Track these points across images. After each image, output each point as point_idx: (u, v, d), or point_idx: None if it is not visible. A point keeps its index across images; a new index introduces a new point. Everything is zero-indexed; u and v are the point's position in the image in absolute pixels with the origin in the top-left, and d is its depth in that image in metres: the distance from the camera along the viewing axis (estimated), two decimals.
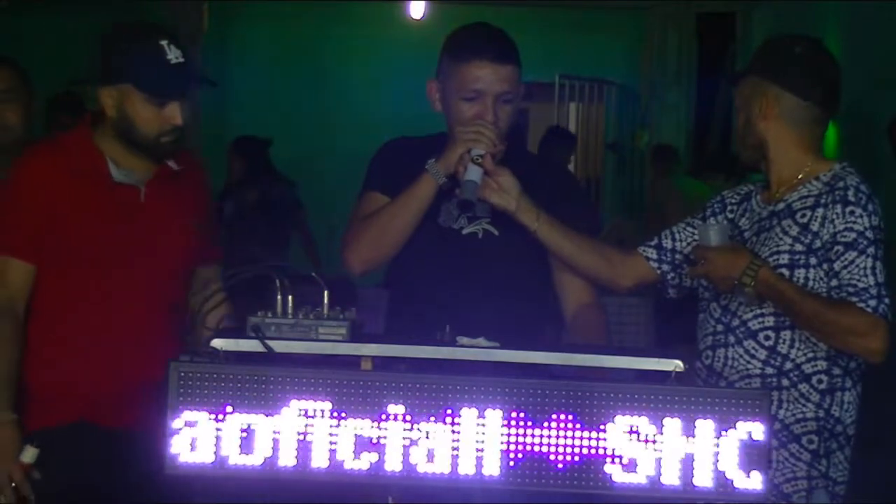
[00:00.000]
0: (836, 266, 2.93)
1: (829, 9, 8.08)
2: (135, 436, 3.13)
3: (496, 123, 3.09)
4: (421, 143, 3.27)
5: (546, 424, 2.40)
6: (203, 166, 3.47)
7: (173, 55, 3.11)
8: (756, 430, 2.39)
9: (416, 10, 10.41)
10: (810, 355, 2.98)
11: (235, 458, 2.41)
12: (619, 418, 2.40)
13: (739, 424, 2.39)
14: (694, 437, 2.40)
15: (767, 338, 2.99)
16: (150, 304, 3.20)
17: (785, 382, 2.98)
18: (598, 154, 11.01)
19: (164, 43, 3.11)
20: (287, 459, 2.41)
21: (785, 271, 2.95)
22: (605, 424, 2.40)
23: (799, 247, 2.97)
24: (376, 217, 3.16)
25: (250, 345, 2.53)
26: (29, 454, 3.10)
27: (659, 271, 3.21)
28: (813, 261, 2.96)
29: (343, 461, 2.41)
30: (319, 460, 2.41)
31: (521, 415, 2.40)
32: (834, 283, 2.93)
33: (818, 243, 2.96)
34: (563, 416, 2.40)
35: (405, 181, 3.14)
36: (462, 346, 2.61)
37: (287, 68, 10.71)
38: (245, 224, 7.54)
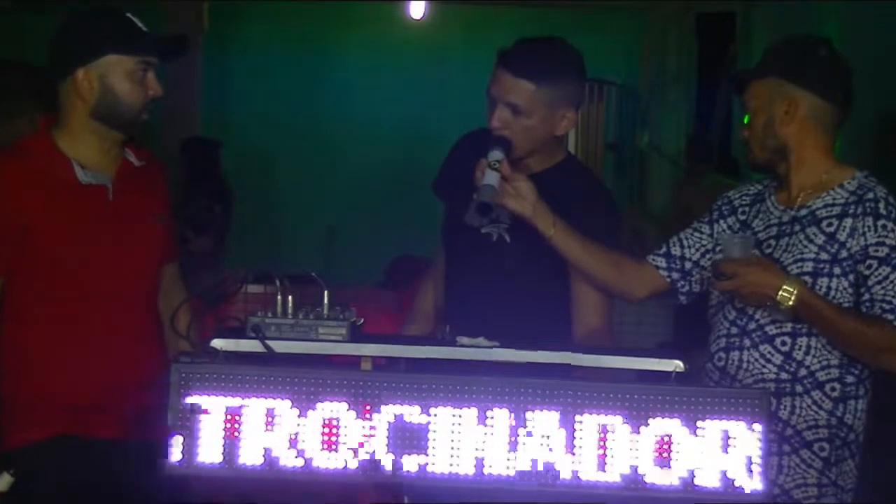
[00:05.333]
0: (870, 281, 2.92)
1: (829, 9, 8.08)
2: (123, 444, 3.10)
3: (500, 129, 3.14)
4: (483, 135, 3.28)
5: (546, 424, 2.40)
6: (162, 162, 3.42)
7: (140, 24, 3.12)
8: (756, 429, 2.39)
9: (416, 10, 10.40)
10: (825, 363, 2.96)
11: (236, 459, 2.41)
12: (619, 418, 2.40)
13: (739, 424, 2.39)
14: (694, 436, 2.40)
15: (784, 343, 2.98)
16: (125, 303, 3.15)
17: (799, 389, 2.97)
18: (598, 154, 11.00)
19: (130, 16, 3.12)
20: (287, 459, 2.41)
21: (808, 279, 2.93)
22: (604, 424, 2.40)
23: (824, 256, 2.95)
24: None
25: (250, 345, 2.53)
26: (4, 482, 2.93)
27: (669, 279, 3.20)
28: (837, 270, 2.94)
29: (343, 461, 2.41)
30: (320, 460, 2.41)
31: (521, 414, 2.40)
32: (866, 297, 2.92)
33: (844, 253, 2.94)
34: (562, 416, 2.40)
35: (451, 178, 3.31)
36: (462, 345, 2.61)
37: (287, 68, 10.70)
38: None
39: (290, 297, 2.57)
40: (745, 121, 3.10)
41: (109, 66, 3.08)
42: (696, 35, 10.50)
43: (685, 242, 3.20)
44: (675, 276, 3.19)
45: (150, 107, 3.13)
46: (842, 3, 7.86)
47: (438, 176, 3.44)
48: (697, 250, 3.18)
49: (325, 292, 2.59)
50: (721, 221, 3.17)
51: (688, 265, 3.18)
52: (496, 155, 3.05)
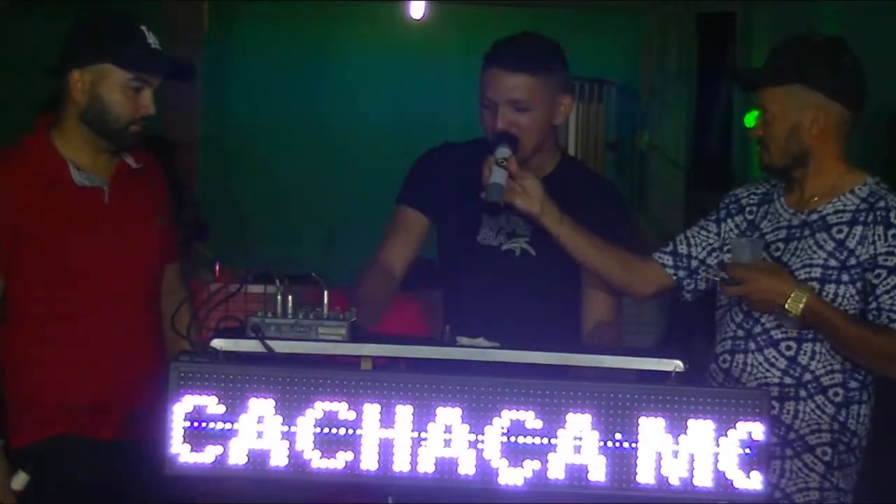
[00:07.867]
0: (878, 290, 2.93)
1: (829, 9, 8.07)
2: (123, 444, 3.11)
3: (509, 130, 3.12)
4: (462, 150, 3.31)
5: (546, 425, 2.40)
6: (160, 165, 3.41)
7: (152, 40, 3.10)
8: (756, 430, 2.39)
9: (416, 10, 10.39)
10: (829, 368, 2.97)
11: (236, 459, 2.41)
12: (618, 418, 2.40)
13: (739, 424, 2.40)
14: (694, 436, 2.40)
15: (789, 347, 2.98)
16: (124, 304, 3.15)
17: (802, 393, 2.98)
18: (597, 154, 10.99)
19: (143, 28, 3.10)
20: (287, 460, 2.41)
21: (816, 285, 2.94)
22: (603, 424, 2.40)
23: (833, 262, 2.96)
24: (361, 286, 3.22)
25: (250, 345, 2.53)
26: (20, 480, 2.99)
27: (675, 277, 3.20)
28: (845, 277, 2.95)
29: (343, 461, 2.41)
30: (319, 460, 2.41)
31: (521, 415, 2.40)
32: (873, 305, 2.93)
33: (853, 261, 2.95)
34: (562, 417, 2.40)
35: (439, 193, 3.24)
36: (462, 346, 2.61)
37: (287, 68, 10.69)
38: None
39: (290, 297, 2.57)
40: (753, 119, 3.08)
41: (104, 74, 3.06)
42: (696, 35, 10.50)
43: (692, 241, 3.20)
44: (682, 273, 3.19)
45: (143, 122, 3.11)
46: (842, 3, 7.85)
47: (404, 189, 3.38)
48: (704, 248, 3.18)
49: (325, 292, 2.59)
50: (728, 220, 3.17)
51: (694, 263, 3.18)
52: (503, 152, 3.05)
